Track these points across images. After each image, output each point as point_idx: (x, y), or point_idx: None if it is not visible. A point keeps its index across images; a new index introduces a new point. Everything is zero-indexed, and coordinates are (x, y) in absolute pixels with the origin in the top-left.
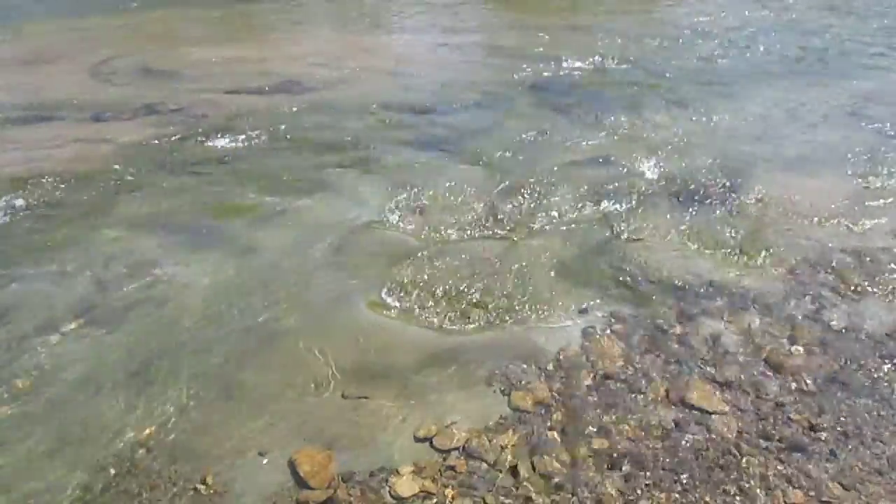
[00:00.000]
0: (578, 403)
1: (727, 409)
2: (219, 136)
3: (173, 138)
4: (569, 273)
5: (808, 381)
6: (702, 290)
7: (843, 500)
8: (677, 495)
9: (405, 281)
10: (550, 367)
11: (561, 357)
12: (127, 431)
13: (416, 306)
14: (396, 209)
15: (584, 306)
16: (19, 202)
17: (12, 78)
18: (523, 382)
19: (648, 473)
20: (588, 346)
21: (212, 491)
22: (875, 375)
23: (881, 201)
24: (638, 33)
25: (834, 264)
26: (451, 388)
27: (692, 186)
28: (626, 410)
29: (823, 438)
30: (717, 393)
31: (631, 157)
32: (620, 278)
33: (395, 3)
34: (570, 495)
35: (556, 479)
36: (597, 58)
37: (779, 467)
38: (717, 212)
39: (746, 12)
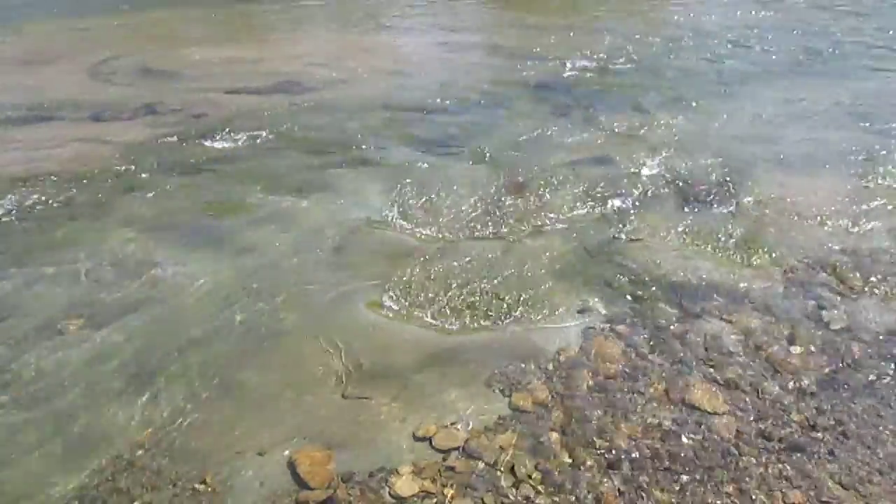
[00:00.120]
0: (578, 403)
1: (727, 409)
2: (219, 136)
3: (173, 138)
4: (569, 273)
5: (808, 381)
6: (701, 290)
7: (843, 500)
8: (677, 495)
9: (405, 281)
10: (550, 367)
11: (561, 357)
12: (127, 431)
13: (415, 306)
14: (396, 209)
15: (583, 306)
16: (19, 202)
17: (12, 78)
18: (523, 382)
19: (648, 473)
20: (588, 347)
21: (211, 491)
22: (874, 375)
23: (881, 201)
24: (638, 33)
25: (833, 264)
26: (451, 388)
27: (692, 186)
28: (625, 410)
29: (823, 438)
30: (717, 393)
31: (631, 156)
32: (620, 278)
33: (395, 3)
34: (570, 495)
35: (556, 479)
36: (597, 57)
37: (778, 467)
38: (717, 212)
39: (747, 12)
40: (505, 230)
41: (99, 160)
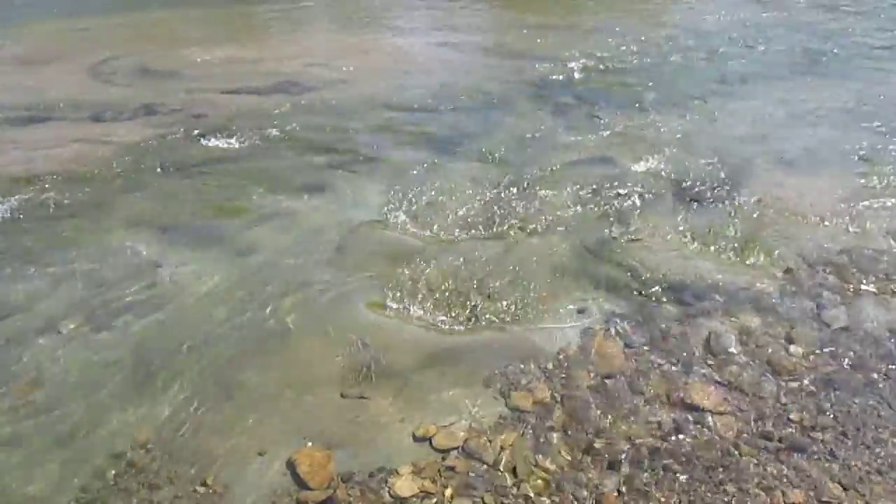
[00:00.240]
0: (578, 403)
1: (727, 409)
2: (218, 136)
3: (173, 138)
4: (568, 273)
5: (808, 381)
6: (701, 290)
7: (843, 500)
8: (677, 495)
9: (405, 281)
10: (550, 367)
11: (561, 357)
12: (127, 431)
13: (415, 306)
14: (396, 209)
15: (583, 306)
16: (19, 202)
17: (12, 78)
18: (523, 382)
19: (648, 473)
20: (588, 347)
21: (211, 491)
22: (874, 375)
23: (881, 201)
24: (638, 33)
25: (833, 264)
26: (451, 388)
27: (692, 186)
28: (625, 410)
29: (823, 438)
30: (717, 393)
31: (631, 156)
32: (620, 278)
33: (395, 2)
34: (570, 495)
35: (556, 479)
36: (597, 57)
37: (778, 467)
38: (717, 211)
39: (747, 12)
40: (505, 230)
41: (99, 160)
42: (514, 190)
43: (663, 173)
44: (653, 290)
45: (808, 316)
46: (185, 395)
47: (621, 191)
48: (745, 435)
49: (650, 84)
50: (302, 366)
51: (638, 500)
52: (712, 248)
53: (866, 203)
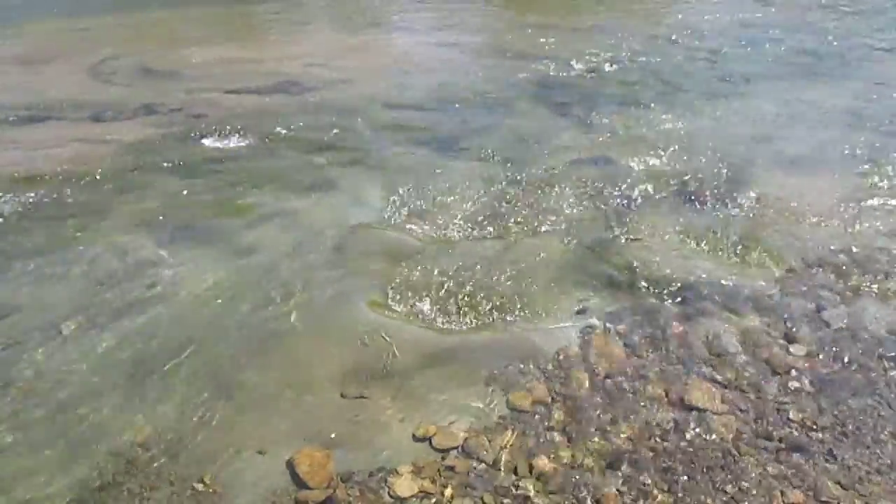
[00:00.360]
0: (577, 403)
1: (726, 408)
2: (218, 135)
3: (173, 138)
4: (568, 273)
5: (807, 381)
6: (701, 290)
7: (843, 500)
8: (677, 495)
9: (405, 280)
10: (550, 367)
11: (560, 357)
12: (126, 431)
13: (415, 306)
14: (396, 209)
15: (583, 306)
16: (19, 202)
17: (12, 78)
18: (522, 382)
19: (648, 473)
20: (587, 347)
21: (211, 491)
22: (874, 375)
23: (881, 201)
24: (638, 33)
25: (833, 264)
26: (451, 388)
27: (692, 186)
28: (625, 410)
29: (823, 438)
30: (717, 393)
31: (630, 156)
32: (620, 278)
33: (395, 3)
34: (569, 495)
35: (556, 479)
36: (597, 57)
37: (778, 467)
38: (717, 211)
39: (747, 13)
40: (505, 230)
41: (99, 160)
42: (514, 189)
43: (664, 173)
44: (653, 289)
45: (808, 316)
46: (184, 395)
47: (621, 190)
48: (744, 435)
49: (650, 84)
50: (302, 366)
51: (638, 500)
52: (712, 247)
53: (866, 203)
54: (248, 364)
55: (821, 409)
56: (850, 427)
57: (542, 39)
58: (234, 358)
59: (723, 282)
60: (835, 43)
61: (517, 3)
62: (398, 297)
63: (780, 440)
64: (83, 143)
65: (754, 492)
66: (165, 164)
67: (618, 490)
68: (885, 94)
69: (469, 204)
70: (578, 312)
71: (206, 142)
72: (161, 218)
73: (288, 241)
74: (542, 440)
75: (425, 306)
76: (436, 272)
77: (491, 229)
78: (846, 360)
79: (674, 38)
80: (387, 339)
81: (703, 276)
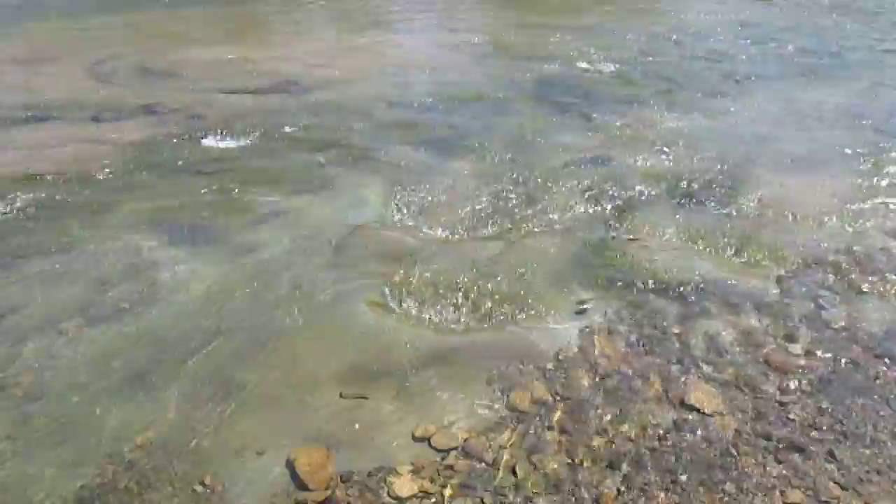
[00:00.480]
0: (577, 403)
1: (726, 408)
2: (218, 135)
3: (173, 138)
4: (568, 273)
5: (808, 381)
6: (700, 290)
7: (843, 500)
8: (676, 495)
9: (404, 280)
10: (549, 366)
11: (560, 357)
12: (126, 431)
13: (414, 306)
14: (396, 208)
15: (582, 306)
16: (19, 202)
17: (12, 78)
18: (522, 382)
19: (647, 473)
20: (587, 347)
21: (210, 491)
22: (873, 375)
23: (881, 201)
24: (639, 33)
25: (833, 264)
26: (450, 388)
27: (691, 186)
28: (624, 410)
29: (822, 438)
30: (716, 393)
31: (631, 156)
32: (619, 278)
33: (395, 2)
34: (569, 495)
35: (555, 479)
36: (597, 57)
37: (778, 467)
38: (717, 211)
39: (748, 12)
40: (505, 229)
41: (99, 160)
42: (514, 189)
43: (664, 172)
44: (652, 289)
45: (808, 316)
46: (184, 395)
47: (621, 190)
48: (744, 434)
49: (650, 84)
50: (301, 366)
51: (638, 500)
52: (712, 247)
53: (866, 203)
54: (247, 363)
55: (820, 409)
56: (850, 427)
57: (542, 39)
58: (233, 358)
59: (723, 281)
60: (836, 43)
61: (517, 3)
62: (398, 296)
63: (780, 440)
64: (83, 143)
65: (754, 492)
66: (165, 164)
67: (618, 490)
68: (885, 94)
69: (469, 203)
70: (578, 312)
71: (206, 142)
72: (161, 218)
73: (287, 241)
74: (542, 440)
75: (425, 306)
76: (435, 272)
77: (491, 229)
78: (846, 360)
79: (675, 37)
80: (387, 338)
81: (703, 275)
